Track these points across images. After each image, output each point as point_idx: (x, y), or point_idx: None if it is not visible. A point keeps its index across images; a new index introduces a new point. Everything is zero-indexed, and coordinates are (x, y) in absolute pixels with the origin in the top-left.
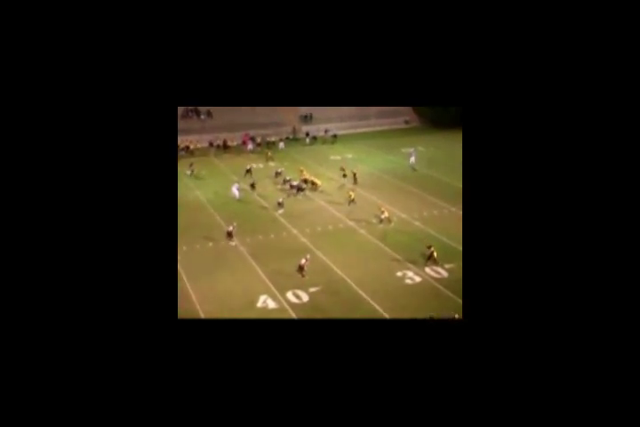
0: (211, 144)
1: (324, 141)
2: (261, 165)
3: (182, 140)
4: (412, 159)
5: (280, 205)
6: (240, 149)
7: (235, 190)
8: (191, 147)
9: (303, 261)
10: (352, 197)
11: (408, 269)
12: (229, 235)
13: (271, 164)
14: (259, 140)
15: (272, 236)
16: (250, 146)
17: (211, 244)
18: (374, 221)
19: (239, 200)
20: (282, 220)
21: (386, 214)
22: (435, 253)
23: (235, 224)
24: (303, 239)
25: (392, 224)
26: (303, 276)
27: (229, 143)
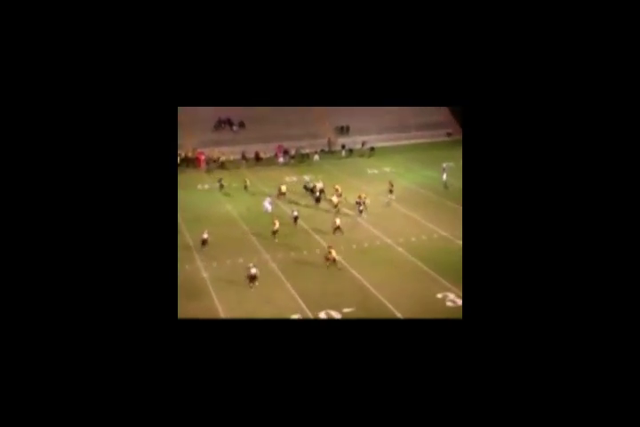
0: (243, 156)
1: (361, 154)
2: (295, 178)
3: (214, 151)
4: (445, 176)
5: (295, 219)
6: (273, 162)
7: (267, 204)
8: (222, 158)
9: (253, 270)
10: (337, 223)
11: (449, 290)
12: (204, 243)
13: (305, 177)
14: (293, 152)
15: (305, 252)
16: (281, 159)
17: (241, 260)
18: (413, 239)
19: (271, 215)
20: (315, 236)
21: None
22: (333, 253)
23: (207, 231)
24: (337, 257)
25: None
26: (251, 287)
27: (262, 155)
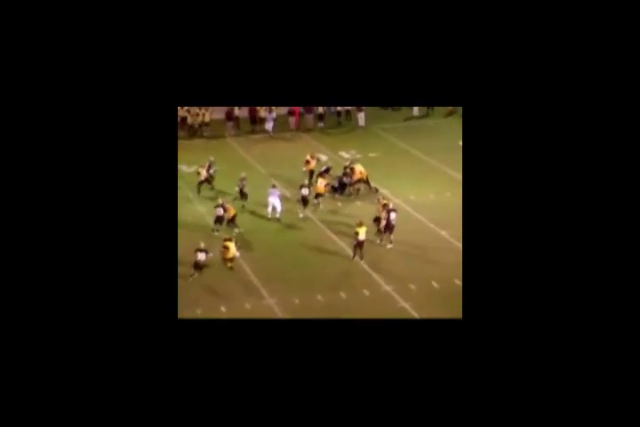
0: (229, 116)
1: (449, 113)
2: (324, 157)
3: (180, 109)
4: None
5: (304, 202)
6: (284, 126)
7: (274, 200)
8: (197, 119)
9: (201, 256)
10: (359, 238)
11: None
12: (218, 221)
13: (345, 155)
14: (320, 109)
15: (342, 295)
16: (270, 123)
17: (223, 308)
18: None
19: (279, 220)
20: (363, 265)
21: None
22: (231, 249)
23: (222, 201)
24: (403, 304)
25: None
26: (191, 275)
27: (262, 114)
